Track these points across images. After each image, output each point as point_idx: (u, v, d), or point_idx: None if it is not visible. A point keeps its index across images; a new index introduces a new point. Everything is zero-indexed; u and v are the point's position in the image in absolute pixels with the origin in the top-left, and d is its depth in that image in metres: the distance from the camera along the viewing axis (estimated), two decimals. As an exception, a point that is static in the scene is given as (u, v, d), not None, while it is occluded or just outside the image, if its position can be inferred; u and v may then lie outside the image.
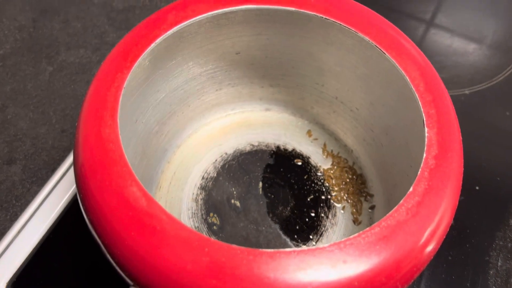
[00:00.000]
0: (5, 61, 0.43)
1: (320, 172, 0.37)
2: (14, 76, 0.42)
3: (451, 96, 0.43)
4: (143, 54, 0.27)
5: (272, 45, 0.35)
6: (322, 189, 0.36)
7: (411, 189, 0.22)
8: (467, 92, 0.43)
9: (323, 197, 0.36)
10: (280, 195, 0.36)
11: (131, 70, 0.26)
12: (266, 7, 0.29)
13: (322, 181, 0.37)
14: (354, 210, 0.35)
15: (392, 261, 0.21)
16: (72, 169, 0.38)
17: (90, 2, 0.48)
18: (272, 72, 0.38)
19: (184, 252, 0.20)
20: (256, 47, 0.35)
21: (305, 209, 0.35)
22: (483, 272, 0.34)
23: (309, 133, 0.39)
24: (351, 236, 0.21)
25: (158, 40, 0.27)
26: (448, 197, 0.22)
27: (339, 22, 0.28)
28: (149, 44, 0.26)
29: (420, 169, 0.23)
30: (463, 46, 0.48)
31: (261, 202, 0.35)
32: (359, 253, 0.20)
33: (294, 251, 0.21)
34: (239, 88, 0.39)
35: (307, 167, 0.37)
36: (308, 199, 0.36)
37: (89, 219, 0.22)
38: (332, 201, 0.36)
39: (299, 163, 0.37)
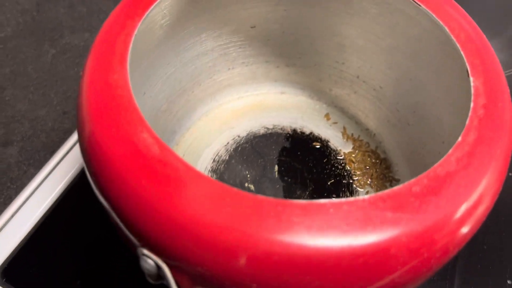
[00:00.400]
0: (5, 43, 0.41)
1: (341, 156, 0.34)
2: (15, 59, 0.40)
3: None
4: (154, 9, 0.25)
5: (290, 17, 0.33)
6: (343, 173, 0.33)
7: (459, 139, 0.20)
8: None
9: (344, 181, 0.33)
10: (298, 179, 0.33)
11: (142, 23, 0.24)
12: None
13: (343, 165, 0.34)
14: (378, 195, 0.32)
15: (444, 216, 0.18)
16: (72, 152, 0.35)
17: (97, -11, 0.46)
18: (289, 50, 0.35)
19: (202, 202, 0.17)
20: (273, 20, 0.33)
21: (325, 194, 0.32)
22: (523, 263, 0.31)
23: (327, 116, 0.36)
24: (395, 187, 0.18)
25: (172, -10, 0.25)
26: (502, 149, 0.20)
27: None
28: (162, -7, 0.24)
29: (468, 119, 0.20)
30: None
31: (278, 186, 0.33)
32: (407, 205, 0.18)
33: (330, 203, 0.18)
34: (253, 67, 0.36)
35: (326, 150, 0.35)
36: (329, 183, 0.33)
37: (93, 173, 0.20)
38: (354, 185, 0.33)
39: (318, 146, 0.35)
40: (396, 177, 0.33)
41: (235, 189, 0.18)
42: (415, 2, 0.25)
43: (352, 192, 0.33)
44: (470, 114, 0.20)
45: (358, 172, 0.33)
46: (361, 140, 0.35)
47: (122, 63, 0.21)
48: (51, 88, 0.38)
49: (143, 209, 0.18)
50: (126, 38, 0.22)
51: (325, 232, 0.17)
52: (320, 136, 0.35)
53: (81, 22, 0.43)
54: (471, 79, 0.21)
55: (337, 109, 0.37)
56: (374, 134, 0.35)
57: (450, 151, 0.19)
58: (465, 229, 0.19)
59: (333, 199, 0.17)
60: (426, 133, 0.31)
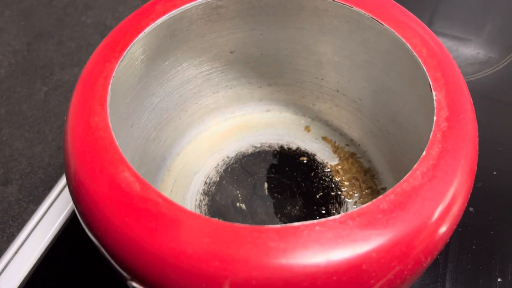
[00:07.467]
0: (0, 85, 0.43)
1: (328, 168, 0.35)
2: (9, 99, 0.42)
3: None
4: (132, 47, 0.26)
5: (267, 40, 0.34)
6: (331, 185, 0.34)
7: (424, 153, 0.21)
8: (472, 79, 0.42)
9: (333, 193, 0.34)
10: (288, 195, 0.34)
11: (121, 62, 0.25)
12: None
13: (330, 177, 0.35)
14: (366, 204, 0.33)
15: (412, 229, 0.19)
16: (69, 185, 0.36)
17: (84, 23, 0.48)
18: (270, 70, 0.37)
19: (182, 235, 0.19)
20: (251, 44, 0.34)
21: (315, 207, 0.33)
22: (512, 260, 0.32)
23: (307, 128, 0.37)
24: (364, 205, 0.19)
25: (147, 30, 0.26)
26: (466, 159, 0.21)
27: (332, -1, 0.27)
28: (137, 34, 0.25)
29: (431, 132, 0.21)
30: (462, 42, 0.47)
31: (268, 203, 0.34)
32: (375, 222, 0.19)
33: (302, 225, 0.19)
34: (237, 89, 0.37)
35: (313, 164, 0.36)
36: (317, 196, 0.34)
37: (80, 212, 0.21)
38: (342, 196, 0.34)
39: (305, 161, 0.36)
40: (383, 185, 0.34)
41: (213, 220, 0.19)
42: (378, 21, 0.26)
43: (340, 203, 0.33)
44: (433, 127, 0.21)
45: (345, 183, 0.34)
46: (347, 151, 0.36)
47: (102, 106, 0.22)
48: (46, 124, 0.40)
49: (128, 244, 0.19)
50: (105, 82, 0.23)
51: (299, 253, 0.18)
52: (306, 151, 0.36)
53: (70, 57, 0.44)
54: (434, 93, 0.22)
55: (322, 122, 0.38)
56: (359, 144, 0.36)
57: (416, 165, 0.20)
58: (435, 242, 0.20)
59: (305, 221, 0.19)
60: (406, 142, 0.32)
